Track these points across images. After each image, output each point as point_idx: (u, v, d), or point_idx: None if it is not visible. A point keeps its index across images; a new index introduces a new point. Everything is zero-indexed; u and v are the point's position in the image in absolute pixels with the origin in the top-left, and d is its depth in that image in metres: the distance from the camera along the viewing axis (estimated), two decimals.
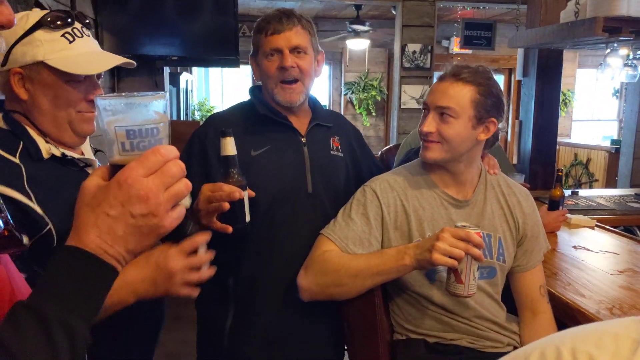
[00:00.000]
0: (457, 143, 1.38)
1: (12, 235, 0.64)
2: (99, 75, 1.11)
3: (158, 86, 3.72)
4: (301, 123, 1.53)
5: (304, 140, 1.51)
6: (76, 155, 1.11)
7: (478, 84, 1.36)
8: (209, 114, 7.03)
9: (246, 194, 1.21)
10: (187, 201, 0.66)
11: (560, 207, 2.25)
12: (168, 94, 1.02)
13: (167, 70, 3.92)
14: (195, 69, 6.64)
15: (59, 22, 1.03)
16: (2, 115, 1.05)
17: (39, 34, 1.01)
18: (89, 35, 1.09)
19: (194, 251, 1.04)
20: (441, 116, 1.37)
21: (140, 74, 3.63)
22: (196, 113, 6.64)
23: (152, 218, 0.62)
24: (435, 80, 1.48)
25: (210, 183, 1.20)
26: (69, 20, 1.04)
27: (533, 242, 1.54)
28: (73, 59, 1.03)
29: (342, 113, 7.38)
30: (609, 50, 2.76)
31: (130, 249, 0.63)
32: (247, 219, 1.23)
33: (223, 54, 3.69)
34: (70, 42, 1.04)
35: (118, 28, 3.34)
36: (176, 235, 1.10)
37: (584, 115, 8.57)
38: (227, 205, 1.15)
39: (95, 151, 1.24)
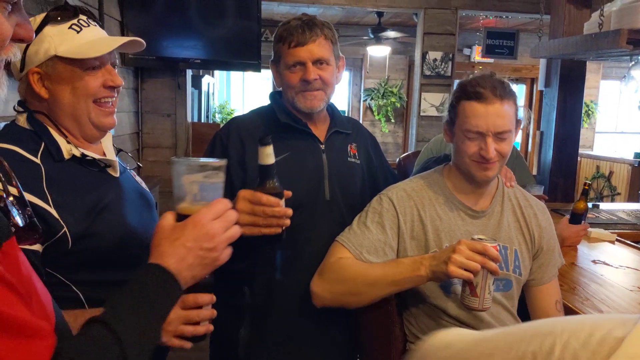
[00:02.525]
0: (508, 156, 1.41)
1: (32, 225, 0.74)
2: (114, 64, 1.12)
3: (180, 88, 3.78)
4: (320, 130, 1.53)
5: (322, 147, 1.51)
6: (96, 156, 1.11)
7: (513, 96, 1.39)
8: (230, 117, 7.08)
9: (283, 201, 1.18)
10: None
11: (583, 222, 2.21)
12: (226, 161, 0.96)
13: (189, 72, 3.98)
14: (217, 72, 6.72)
15: (64, 16, 1.06)
16: (26, 115, 1.07)
17: (48, 29, 1.04)
18: (95, 25, 1.11)
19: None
20: (499, 138, 1.36)
21: (163, 75, 3.69)
22: (217, 115, 6.71)
23: (214, 252, 0.83)
24: (460, 95, 1.43)
25: (247, 190, 1.17)
26: (74, 12, 1.07)
27: (549, 256, 1.52)
28: (83, 46, 1.05)
29: (361, 119, 7.39)
30: (633, 63, 2.72)
31: (194, 275, 0.83)
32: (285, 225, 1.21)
33: (245, 58, 3.73)
34: (78, 32, 1.06)
35: (143, 30, 3.41)
36: (271, 242, 1.19)
37: (607, 127, 8.43)
38: (278, 230, 1.17)
39: (118, 151, 1.24)
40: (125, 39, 1.11)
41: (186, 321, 0.91)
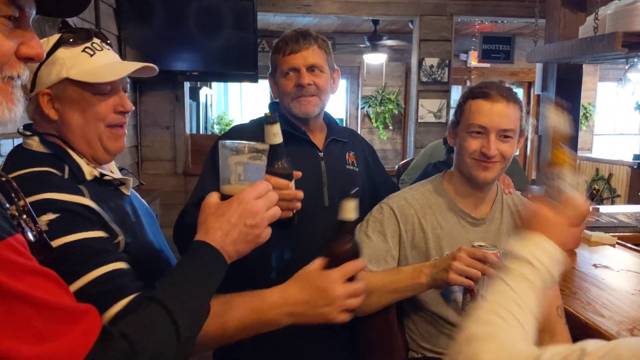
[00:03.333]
0: (510, 161, 1.43)
1: (43, 242, 0.76)
2: (125, 89, 1.11)
3: (178, 100, 3.80)
4: (318, 138, 1.56)
5: (321, 154, 1.53)
6: (115, 175, 1.11)
7: (519, 102, 1.41)
8: (228, 128, 7.10)
9: (293, 183, 1.16)
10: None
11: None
12: (257, 149, 1.01)
13: (187, 84, 4.00)
14: (214, 84, 6.74)
15: (77, 39, 1.05)
16: (38, 139, 1.04)
17: (60, 52, 1.03)
18: (108, 49, 1.11)
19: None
20: (502, 137, 1.38)
21: (162, 88, 3.70)
22: (215, 127, 6.72)
23: (257, 229, 0.89)
24: (460, 96, 1.47)
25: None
26: (87, 35, 1.07)
27: None
28: (95, 70, 1.04)
29: (359, 127, 7.40)
30: (628, 66, 2.73)
31: (238, 250, 0.88)
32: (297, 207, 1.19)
33: (242, 69, 3.75)
34: (91, 55, 1.05)
35: (141, 43, 3.43)
36: (282, 226, 1.13)
37: (605, 130, 8.44)
38: (290, 214, 1.14)
39: (120, 169, 1.24)
40: (139, 65, 1.10)
41: (350, 295, 0.98)
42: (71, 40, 1.04)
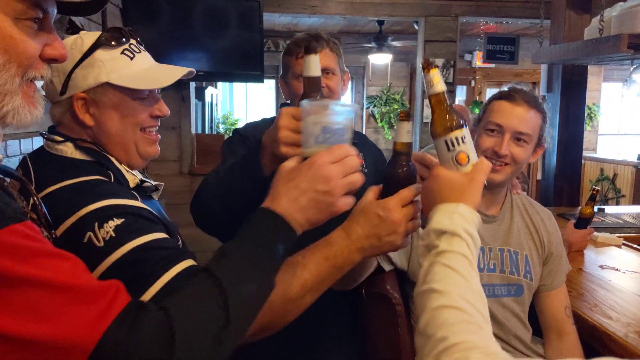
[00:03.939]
0: (521, 166, 1.44)
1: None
2: (159, 90, 1.08)
3: (184, 100, 3.81)
4: None
5: None
6: (152, 182, 1.09)
7: (542, 111, 1.44)
8: (233, 127, 7.11)
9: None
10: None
11: (588, 226, 2.22)
12: (355, 107, 0.94)
13: (193, 84, 4.01)
14: (220, 83, 6.76)
15: (116, 41, 0.99)
16: (72, 145, 0.97)
17: (99, 54, 0.97)
18: (145, 51, 1.06)
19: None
20: (516, 140, 1.40)
21: (167, 88, 3.64)
22: (220, 126, 6.74)
23: (329, 197, 0.80)
24: (480, 96, 1.49)
25: (291, 106, 1.06)
26: (125, 37, 1.02)
27: (558, 262, 1.54)
28: (138, 75, 1.00)
29: (364, 126, 7.41)
30: (634, 67, 2.73)
31: (309, 218, 0.80)
32: None
33: (248, 69, 3.75)
34: (131, 58, 1.00)
35: (147, 43, 3.35)
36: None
37: (610, 130, 8.43)
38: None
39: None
40: (183, 72, 1.06)
41: (410, 218, 0.90)
42: (110, 41, 0.98)
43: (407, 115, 0.94)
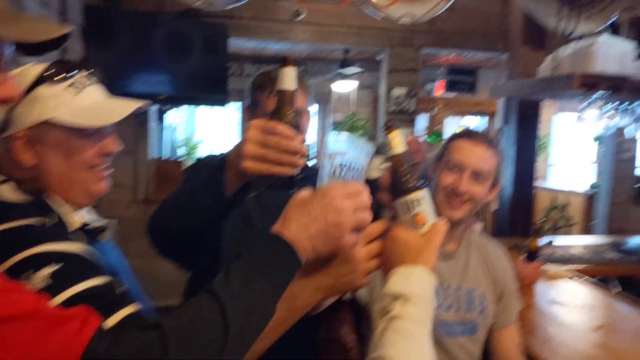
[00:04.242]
0: (479, 204, 1.48)
1: None
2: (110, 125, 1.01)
3: (142, 124, 3.74)
4: None
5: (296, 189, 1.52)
6: (99, 223, 1.03)
7: (500, 152, 1.50)
8: (195, 150, 6.97)
9: (299, 139, 1.01)
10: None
11: (538, 259, 2.27)
12: (366, 149, 0.93)
13: (153, 107, 3.95)
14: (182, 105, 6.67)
15: (62, 75, 0.93)
16: (12, 186, 0.91)
17: (42, 89, 0.91)
18: (95, 83, 0.99)
19: None
20: (475, 178, 1.45)
21: None
22: (181, 150, 6.63)
23: (338, 229, 0.79)
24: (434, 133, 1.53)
25: (260, 119, 0.99)
26: (72, 70, 0.95)
27: (510, 299, 1.56)
28: (85, 111, 0.93)
29: None
30: (586, 104, 2.85)
31: (315, 247, 0.79)
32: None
33: (212, 93, 3.73)
34: (78, 93, 0.94)
35: (106, 65, 3.35)
36: (284, 185, 0.99)
37: (561, 160, 8.74)
38: (291, 171, 0.96)
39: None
40: (133, 107, 1.00)
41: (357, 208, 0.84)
42: (55, 75, 0.92)
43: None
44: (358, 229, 0.82)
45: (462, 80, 6.06)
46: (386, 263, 0.88)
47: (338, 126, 7.43)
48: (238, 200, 1.08)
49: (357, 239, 0.84)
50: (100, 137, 0.98)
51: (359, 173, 0.89)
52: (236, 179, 1.03)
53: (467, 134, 1.51)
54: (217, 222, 1.13)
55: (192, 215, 1.10)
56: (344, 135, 0.89)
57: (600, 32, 3.04)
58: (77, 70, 0.96)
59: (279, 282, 0.76)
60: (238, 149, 0.98)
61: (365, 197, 0.83)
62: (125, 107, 0.99)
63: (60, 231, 0.90)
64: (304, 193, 0.84)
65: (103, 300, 0.79)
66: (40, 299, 0.67)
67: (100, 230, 1.03)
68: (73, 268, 0.81)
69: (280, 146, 0.94)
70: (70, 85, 0.94)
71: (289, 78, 0.95)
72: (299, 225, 0.78)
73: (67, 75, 0.94)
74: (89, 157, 0.96)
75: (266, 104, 1.44)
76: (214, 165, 1.06)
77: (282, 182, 0.97)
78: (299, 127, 0.97)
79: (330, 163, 0.87)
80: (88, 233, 0.98)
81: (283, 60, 0.95)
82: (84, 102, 0.95)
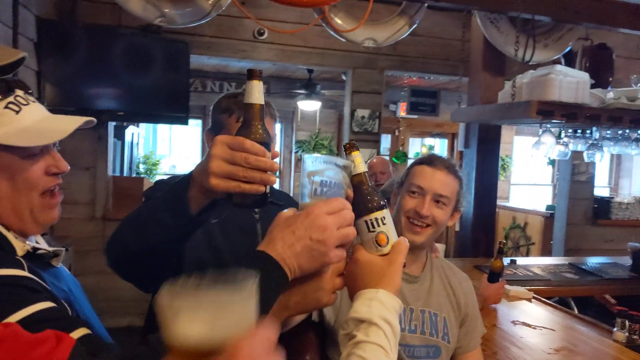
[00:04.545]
0: (441, 228, 1.51)
1: None
2: (56, 143, 0.96)
3: (101, 140, 3.63)
4: None
5: (257, 216, 1.49)
6: (49, 248, 0.97)
7: (460, 178, 1.53)
8: (155, 167, 6.83)
9: (270, 155, 0.95)
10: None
11: (500, 279, 2.28)
12: (344, 165, 0.91)
13: (112, 123, 3.84)
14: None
15: None
16: None
17: None
18: (34, 101, 0.95)
19: None
20: (436, 203, 1.48)
21: (83, 127, 3.52)
22: (141, 166, 6.49)
23: (323, 246, 0.80)
24: (401, 158, 1.53)
25: (225, 136, 0.93)
26: (9, 88, 0.91)
27: (474, 323, 1.56)
28: (26, 130, 0.89)
29: (293, 171, 7.43)
30: (542, 130, 2.94)
31: (301, 264, 0.80)
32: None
33: (173, 110, 3.66)
34: (17, 112, 0.90)
35: (62, 80, 3.25)
36: (254, 203, 0.94)
37: (522, 180, 9.01)
38: (261, 189, 0.90)
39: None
40: (78, 123, 0.95)
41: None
42: None
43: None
44: (343, 244, 0.83)
45: (424, 102, 6.17)
46: (350, 284, 0.88)
47: (302, 145, 7.44)
48: (202, 220, 1.02)
49: (343, 255, 0.84)
50: (45, 157, 0.93)
51: (339, 189, 0.88)
52: (202, 196, 0.97)
53: (428, 160, 1.54)
54: (179, 242, 1.07)
55: (153, 234, 1.03)
56: (320, 155, 0.89)
57: (556, 61, 3.16)
58: (13, 89, 0.92)
59: (265, 301, 0.73)
60: (204, 165, 0.92)
61: (348, 212, 0.84)
62: (69, 124, 0.95)
63: (4, 256, 0.85)
64: (287, 213, 0.85)
65: (48, 325, 0.74)
66: (7, 324, 0.65)
67: (53, 255, 0.98)
68: (16, 294, 0.77)
69: (249, 163, 0.88)
70: (8, 105, 0.89)
71: (256, 91, 0.91)
72: (285, 244, 0.79)
73: (3, 94, 0.89)
74: (35, 178, 0.91)
75: (232, 129, 1.37)
76: (178, 183, 1.01)
77: (252, 200, 0.92)
78: (268, 143, 0.92)
79: (311, 182, 0.86)
80: (40, 258, 0.93)
81: (249, 74, 0.91)
82: (25, 121, 0.90)
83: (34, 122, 0.92)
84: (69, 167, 0.98)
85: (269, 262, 0.78)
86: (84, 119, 0.97)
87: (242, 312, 0.57)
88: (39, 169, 0.92)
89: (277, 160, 1.15)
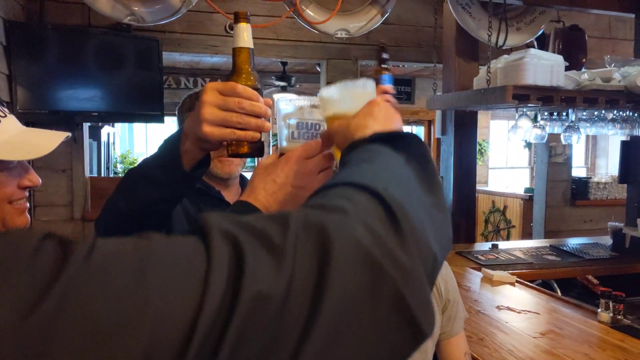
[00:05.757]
0: None
1: None
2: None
3: (76, 141, 3.55)
4: (233, 197, 1.51)
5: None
6: None
7: None
8: (132, 167, 6.77)
9: (262, 100, 0.89)
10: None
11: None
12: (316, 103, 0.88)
13: (86, 124, 3.76)
14: None
15: None
16: None
17: None
18: (9, 114, 0.96)
19: None
20: None
21: (57, 129, 3.41)
22: (118, 166, 6.38)
23: (305, 192, 0.79)
24: None
25: (216, 82, 0.88)
26: None
27: (455, 308, 1.56)
28: (8, 143, 0.90)
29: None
30: (518, 115, 2.97)
31: None
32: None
33: (147, 109, 3.60)
34: None
35: (34, 83, 3.17)
36: (248, 153, 0.90)
37: (499, 163, 9.13)
38: (257, 136, 0.86)
39: None
40: (58, 140, 0.95)
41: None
42: None
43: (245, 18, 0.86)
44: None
45: (400, 90, 6.19)
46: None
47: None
48: (195, 177, 0.97)
49: None
50: (20, 170, 0.94)
51: (316, 129, 0.88)
52: (195, 149, 0.91)
53: None
54: (171, 202, 1.02)
55: (145, 193, 0.97)
56: (293, 96, 0.89)
57: (529, 45, 3.19)
58: None
59: None
60: (195, 115, 0.87)
61: (328, 153, 0.83)
62: (50, 140, 0.95)
63: None
64: (267, 160, 0.84)
65: None
66: None
67: None
68: None
69: (244, 108, 0.84)
70: None
71: (245, 34, 0.86)
72: (267, 193, 0.79)
73: None
74: (9, 191, 0.92)
75: None
76: (169, 139, 0.96)
77: (248, 149, 0.87)
78: (260, 89, 0.88)
79: (287, 125, 0.86)
80: None
81: (236, 16, 0.86)
82: (3, 135, 0.90)
83: (11, 135, 0.92)
84: (40, 181, 0.98)
85: (253, 210, 0.78)
86: (62, 134, 0.98)
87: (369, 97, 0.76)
88: (12, 183, 0.92)
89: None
